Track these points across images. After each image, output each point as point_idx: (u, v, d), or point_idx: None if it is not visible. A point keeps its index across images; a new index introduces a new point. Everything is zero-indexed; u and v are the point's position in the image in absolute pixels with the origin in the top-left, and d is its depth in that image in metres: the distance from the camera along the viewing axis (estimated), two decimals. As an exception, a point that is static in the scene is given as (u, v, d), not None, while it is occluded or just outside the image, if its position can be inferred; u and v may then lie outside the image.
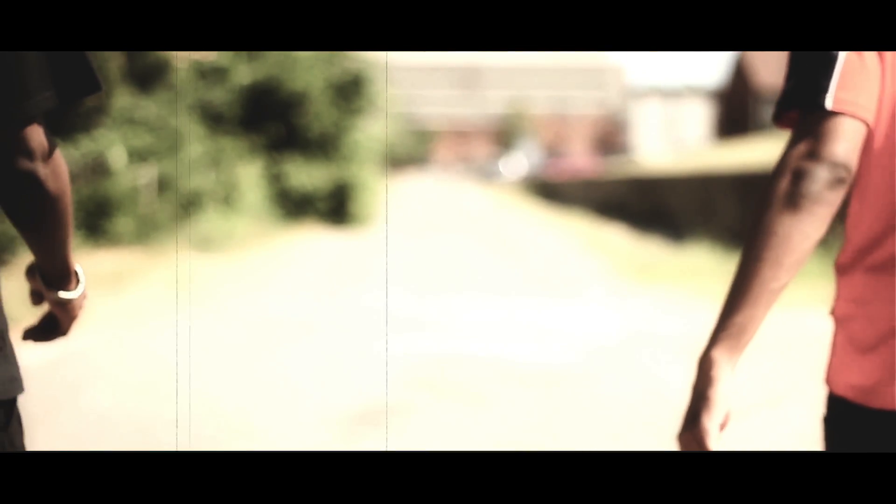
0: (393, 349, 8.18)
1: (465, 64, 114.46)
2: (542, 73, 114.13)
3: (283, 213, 22.30)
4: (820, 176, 1.79)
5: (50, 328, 2.04)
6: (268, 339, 8.73)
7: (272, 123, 22.98)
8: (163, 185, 17.18)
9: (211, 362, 7.71)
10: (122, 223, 15.86)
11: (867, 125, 1.83)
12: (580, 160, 75.80)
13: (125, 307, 10.30)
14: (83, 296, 2.03)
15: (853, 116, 1.81)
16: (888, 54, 1.87)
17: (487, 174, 76.50)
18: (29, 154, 1.73)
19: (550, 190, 42.41)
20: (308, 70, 23.22)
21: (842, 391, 1.93)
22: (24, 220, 1.82)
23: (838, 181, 1.79)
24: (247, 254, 16.23)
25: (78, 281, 2.00)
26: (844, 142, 1.80)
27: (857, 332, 1.91)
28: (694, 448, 1.83)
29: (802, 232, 1.78)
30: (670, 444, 5.35)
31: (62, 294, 1.97)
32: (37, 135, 1.73)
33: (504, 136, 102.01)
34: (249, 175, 20.70)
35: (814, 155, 1.79)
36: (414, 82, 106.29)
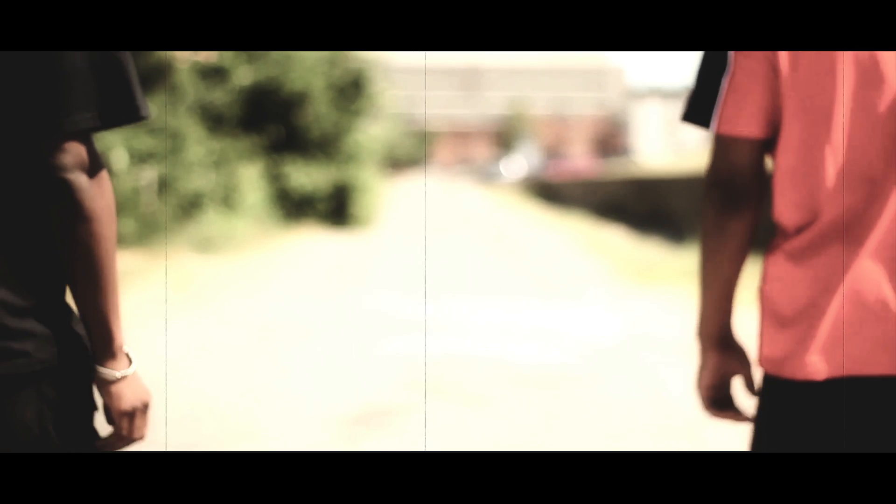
0: (393, 350, 8.18)
1: (466, 65, 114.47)
2: (542, 74, 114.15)
3: (283, 215, 22.29)
4: (714, 197, 1.99)
5: (111, 437, 1.90)
6: (268, 341, 8.73)
7: (272, 124, 22.97)
8: (163, 187, 17.17)
9: (210, 363, 7.72)
10: (124, 224, 15.86)
11: (756, 139, 1.98)
12: (580, 161, 75.74)
13: (126, 308, 10.29)
14: (136, 390, 1.90)
15: (738, 136, 1.96)
16: (785, 61, 1.95)
17: (487, 175, 76.49)
18: (64, 165, 1.76)
19: (550, 191, 42.41)
20: (308, 71, 23.22)
21: (762, 364, 2.05)
22: (63, 237, 1.78)
23: (732, 196, 1.98)
24: (247, 255, 16.23)
25: (129, 362, 1.89)
26: (729, 161, 1.98)
27: (777, 308, 2.02)
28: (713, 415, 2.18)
29: (720, 236, 2.01)
30: (670, 444, 5.35)
31: (102, 370, 1.85)
32: (75, 149, 1.76)
33: (504, 137, 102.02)
34: (250, 176, 20.69)
35: (710, 178, 2.01)
36: (414, 84, 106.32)
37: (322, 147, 23.87)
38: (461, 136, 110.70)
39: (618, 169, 44.87)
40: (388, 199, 35.60)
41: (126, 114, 1.81)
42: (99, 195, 1.78)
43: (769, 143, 2.01)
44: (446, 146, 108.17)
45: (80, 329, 1.84)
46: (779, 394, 2.01)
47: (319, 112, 23.63)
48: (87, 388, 1.86)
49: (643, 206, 24.70)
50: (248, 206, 20.12)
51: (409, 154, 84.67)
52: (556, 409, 6.32)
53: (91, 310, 1.82)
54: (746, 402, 2.21)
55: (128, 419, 1.89)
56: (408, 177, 75.60)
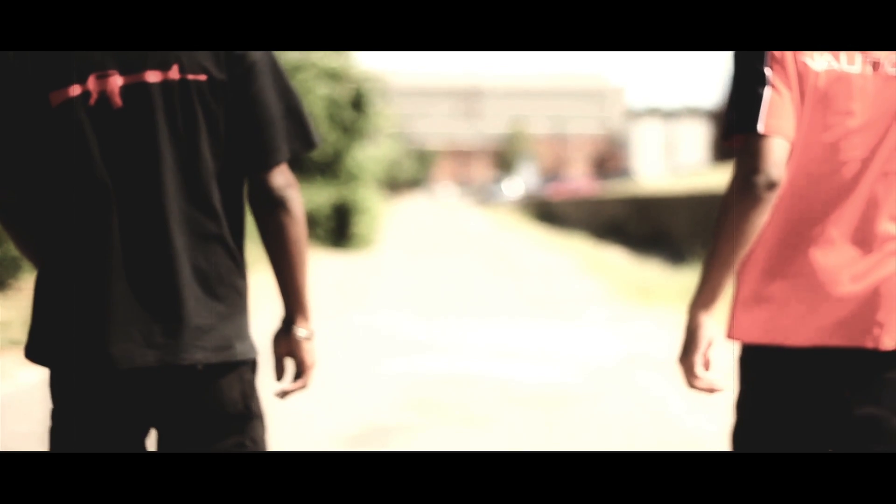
0: (394, 370, 8.20)
1: (466, 85, 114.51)
2: (541, 94, 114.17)
3: (283, 235, 22.23)
4: (760, 182, 2.46)
5: (295, 380, 2.54)
6: (268, 360, 8.73)
7: (272, 145, 22.94)
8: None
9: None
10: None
11: (789, 141, 2.48)
12: (579, 182, 75.54)
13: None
14: (314, 349, 2.51)
15: (777, 135, 2.46)
16: (802, 85, 2.46)
17: (487, 195, 76.41)
18: (281, 186, 2.40)
19: (550, 211, 42.41)
20: (308, 91, 23.25)
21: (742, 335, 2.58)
22: (278, 237, 2.43)
23: (771, 184, 2.46)
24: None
25: (310, 329, 2.49)
26: (773, 155, 2.46)
27: (752, 283, 2.57)
28: (685, 377, 2.54)
29: (751, 221, 2.47)
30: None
31: (299, 330, 2.48)
32: (285, 172, 2.41)
33: (504, 156, 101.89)
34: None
35: (756, 167, 2.46)
36: (414, 103, 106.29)
37: (322, 167, 23.86)
38: (461, 155, 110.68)
39: (617, 189, 44.87)
40: (389, 219, 35.60)
41: (307, 144, 2.43)
42: (299, 202, 2.41)
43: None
44: (446, 166, 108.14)
45: (251, 334, 2.44)
46: (765, 363, 2.48)
47: (319, 132, 23.61)
48: (255, 376, 2.47)
49: (642, 227, 24.72)
50: (247, 226, 20.12)
51: (409, 174, 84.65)
52: (557, 429, 6.34)
53: (294, 286, 2.45)
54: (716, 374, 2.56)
55: (311, 370, 2.51)
56: (408, 197, 75.56)
